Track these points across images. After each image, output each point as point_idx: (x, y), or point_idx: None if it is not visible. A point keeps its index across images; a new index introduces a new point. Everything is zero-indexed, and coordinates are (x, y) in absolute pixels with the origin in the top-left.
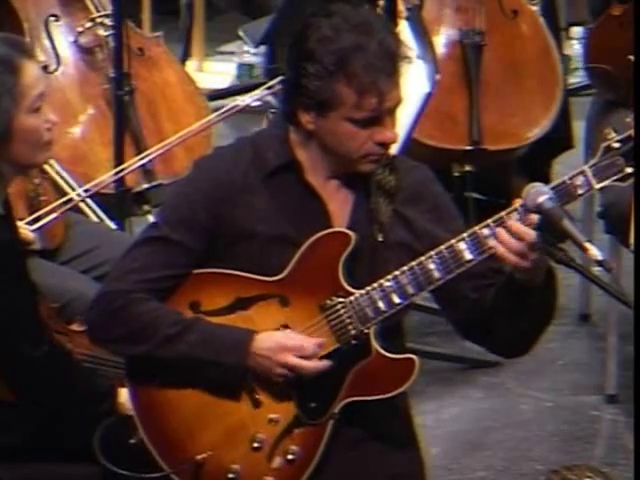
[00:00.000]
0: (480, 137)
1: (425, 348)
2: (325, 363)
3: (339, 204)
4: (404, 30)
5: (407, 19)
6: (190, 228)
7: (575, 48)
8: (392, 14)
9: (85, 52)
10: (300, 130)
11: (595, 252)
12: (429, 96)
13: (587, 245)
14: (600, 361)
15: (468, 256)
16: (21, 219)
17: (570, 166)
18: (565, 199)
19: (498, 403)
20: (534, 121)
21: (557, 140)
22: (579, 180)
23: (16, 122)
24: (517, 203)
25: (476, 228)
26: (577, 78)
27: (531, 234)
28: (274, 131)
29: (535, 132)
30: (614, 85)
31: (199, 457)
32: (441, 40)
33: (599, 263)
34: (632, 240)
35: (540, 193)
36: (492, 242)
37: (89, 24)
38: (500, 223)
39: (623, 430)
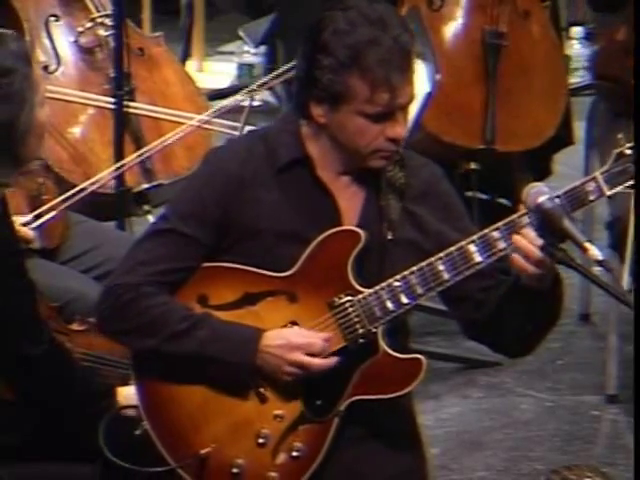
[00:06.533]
0: (493, 137)
1: (425, 348)
2: (334, 359)
3: (349, 200)
4: None
5: (407, 19)
6: (200, 222)
7: (575, 48)
8: None
9: (85, 52)
10: (312, 123)
11: (595, 252)
12: (429, 96)
13: (587, 245)
14: (600, 361)
15: (478, 258)
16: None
17: (571, 166)
18: (576, 205)
19: (498, 403)
20: (543, 124)
21: (558, 136)
22: (590, 186)
23: (34, 115)
24: (523, 208)
25: (486, 230)
26: (577, 78)
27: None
28: (286, 126)
29: (543, 135)
30: (621, 98)
31: (203, 451)
32: (463, 37)
33: (599, 263)
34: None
35: (540, 193)
36: (512, 254)
37: (89, 24)
38: (511, 227)
39: (623, 430)
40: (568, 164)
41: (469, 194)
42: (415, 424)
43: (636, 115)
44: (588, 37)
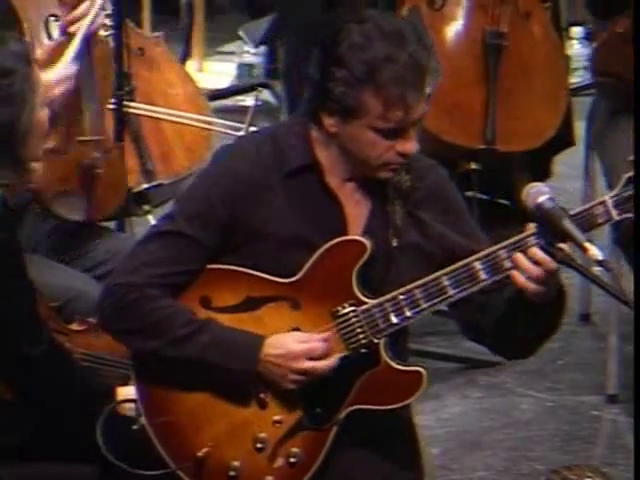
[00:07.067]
0: (493, 137)
1: (425, 348)
2: (336, 358)
3: (356, 207)
4: None
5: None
6: (206, 223)
7: (575, 48)
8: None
9: None
10: (322, 130)
11: (595, 252)
12: (428, 96)
13: (587, 245)
14: (600, 361)
15: (483, 276)
16: (69, 190)
17: (571, 166)
18: (584, 227)
19: (498, 403)
20: (543, 124)
21: (558, 137)
22: (599, 210)
23: (34, 116)
24: (531, 228)
25: (494, 248)
26: (577, 78)
27: (550, 262)
28: (295, 127)
29: (544, 136)
30: (622, 95)
31: (201, 452)
32: (464, 37)
33: (599, 263)
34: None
35: (540, 193)
36: (512, 270)
37: None
38: (518, 246)
39: (623, 430)
40: (568, 164)
41: (469, 194)
42: (413, 428)
43: (636, 111)
44: (588, 37)
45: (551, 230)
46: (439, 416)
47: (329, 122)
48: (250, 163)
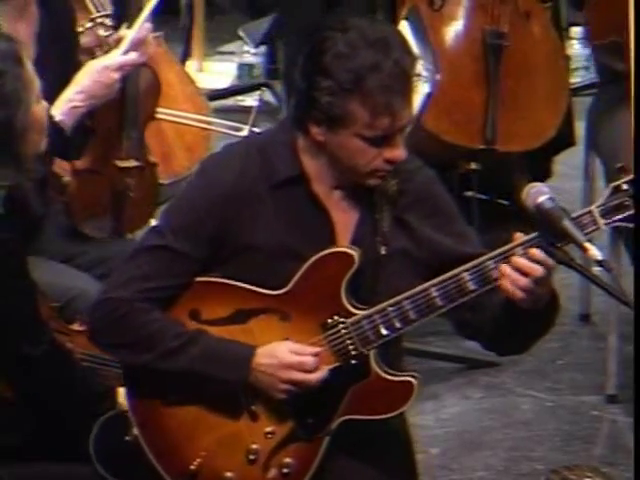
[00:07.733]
0: (493, 137)
1: (425, 348)
2: (325, 370)
3: (344, 215)
4: (404, 30)
5: (407, 19)
6: (194, 236)
7: (575, 48)
8: (391, 14)
9: (85, 52)
10: (309, 139)
11: (595, 252)
12: (429, 97)
13: (587, 245)
14: (600, 361)
15: (472, 287)
16: (99, 213)
17: (571, 166)
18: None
19: (498, 403)
20: (544, 124)
21: (558, 137)
22: (586, 219)
23: (31, 113)
24: (519, 237)
25: (482, 259)
26: (577, 78)
27: (538, 269)
28: (281, 136)
29: (544, 136)
30: (624, 54)
31: (194, 465)
32: (464, 37)
33: (599, 263)
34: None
35: (540, 193)
36: (500, 279)
37: (89, 24)
38: (505, 257)
39: (623, 430)
40: (568, 164)
41: (469, 194)
42: (407, 434)
43: (636, 111)
44: (588, 37)
45: (551, 230)
46: (439, 416)
47: (316, 131)
48: (236, 174)
